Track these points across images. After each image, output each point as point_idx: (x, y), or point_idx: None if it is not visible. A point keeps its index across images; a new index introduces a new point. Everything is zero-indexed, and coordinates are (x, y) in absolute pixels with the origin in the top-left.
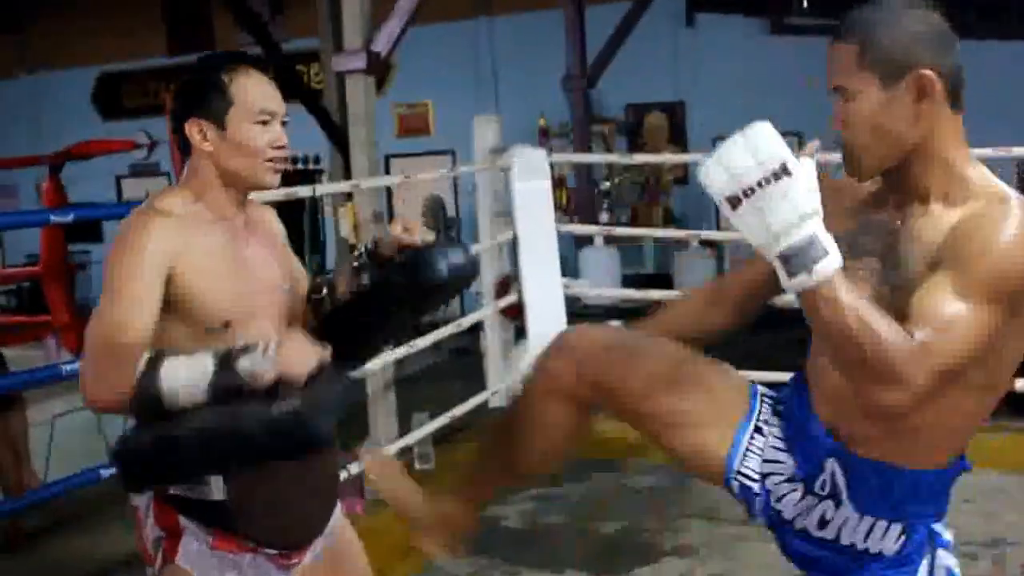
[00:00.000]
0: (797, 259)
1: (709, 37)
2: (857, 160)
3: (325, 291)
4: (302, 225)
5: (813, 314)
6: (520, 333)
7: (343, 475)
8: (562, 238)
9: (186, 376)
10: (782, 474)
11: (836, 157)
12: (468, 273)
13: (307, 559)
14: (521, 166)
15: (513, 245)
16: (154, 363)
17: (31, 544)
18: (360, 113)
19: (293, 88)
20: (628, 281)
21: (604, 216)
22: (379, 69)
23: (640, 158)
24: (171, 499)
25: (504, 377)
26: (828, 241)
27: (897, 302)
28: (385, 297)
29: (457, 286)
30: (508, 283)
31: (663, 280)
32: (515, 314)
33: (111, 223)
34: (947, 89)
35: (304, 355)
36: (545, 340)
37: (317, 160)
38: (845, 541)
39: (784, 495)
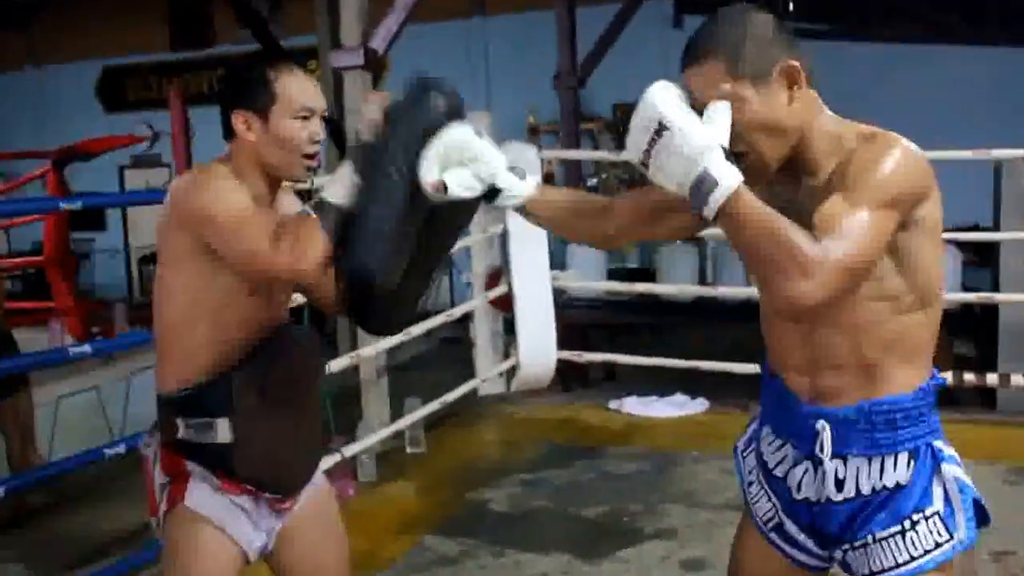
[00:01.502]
0: (698, 196)
1: None
2: (758, 162)
3: None
4: None
5: (729, 234)
6: (509, 324)
7: (336, 458)
8: (550, 232)
9: (336, 183)
10: (789, 462)
11: None
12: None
13: (295, 507)
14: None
15: (503, 238)
16: (317, 204)
17: (35, 520)
18: (357, 109)
19: None
20: (613, 274)
21: None
22: (376, 66)
23: (627, 155)
24: (177, 444)
25: (493, 366)
26: (722, 169)
27: None
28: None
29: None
30: (498, 275)
31: (646, 274)
32: (504, 305)
33: (115, 212)
34: (806, 73)
35: (375, 101)
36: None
37: None
38: (866, 490)
39: (800, 479)
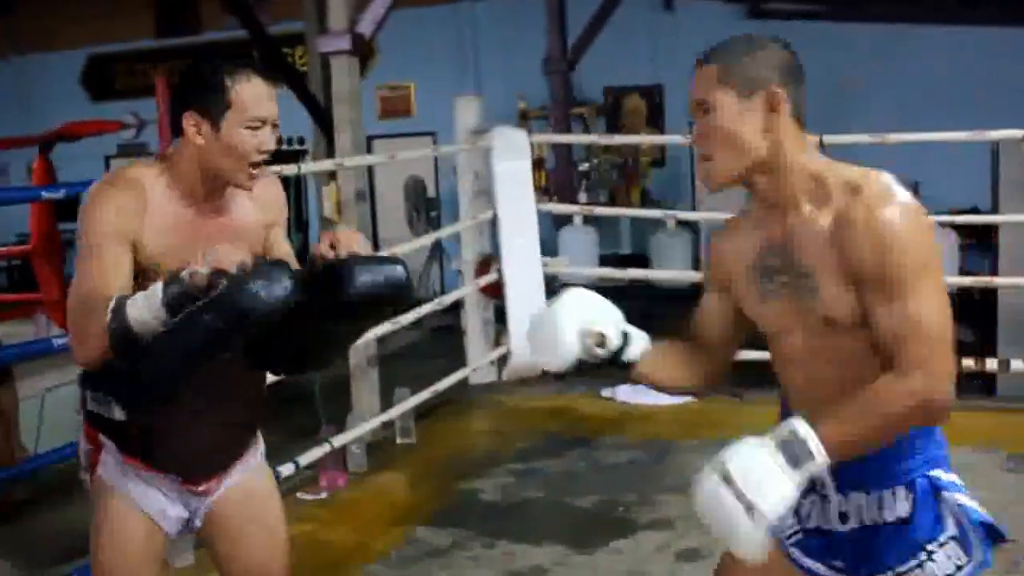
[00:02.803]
0: (799, 469)
1: (687, 22)
2: (713, 168)
3: None
4: (300, 204)
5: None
6: (500, 311)
7: (326, 448)
8: (541, 218)
9: (143, 301)
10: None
11: None
12: (383, 292)
13: (220, 492)
14: (501, 146)
15: (493, 224)
16: (119, 306)
17: (19, 514)
18: (344, 93)
19: (279, 70)
20: (605, 261)
21: (583, 197)
22: (363, 50)
23: (619, 139)
24: (91, 416)
25: (484, 355)
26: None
27: (818, 309)
28: (302, 313)
29: (375, 304)
30: (488, 262)
31: (640, 260)
32: (495, 293)
33: None
34: (794, 111)
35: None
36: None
37: (301, 141)
38: (868, 522)
39: (809, 511)
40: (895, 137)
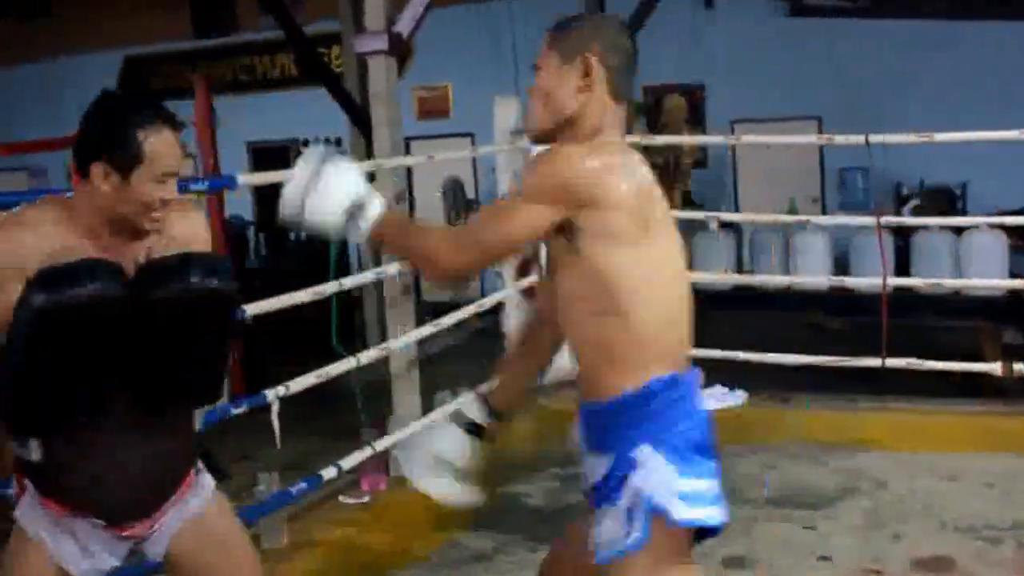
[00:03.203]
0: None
1: (728, 19)
2: (531, 119)
3: None
4: None
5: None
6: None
7: (367, 452)
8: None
9: None
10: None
11: None
12: (183, 296)
13: (162, 535)
14: (541, 146)
15: None
16: None
17: None
18: (382, 94)
19: (315, 71)
20: None
21: None
22: (401, 50)
23: (661, 139)
24: (15, 457)
25: None
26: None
27: None
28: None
29: (184, 308)
30: (529, 264)
31: None
32: (536, 295)
33: None
34: (609, 80)
35: None
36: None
37: (339, 142)
38: (592, 481)
39: (590, 468)
40: (941, 136)
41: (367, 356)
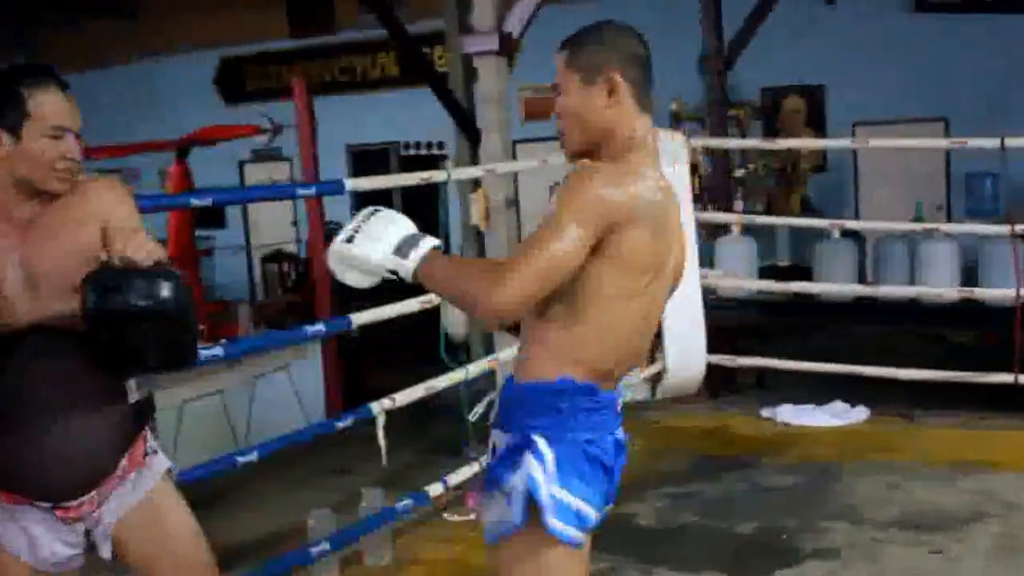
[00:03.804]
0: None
1: (849, 15)
2: (566, 143)
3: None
4: (436, 211)
5: (433, 288)
6: None
7: (474, 468)
8: (696, 227)
9: None
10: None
11: None
12: (120, 312)
13: (106, 518)
14: (658, 150)
15: None
16: None
17: None
18: (492, 95)
19: (420, 71)
20: (764, 272)
21: (738, 205)
22: (511, 50)
23: (782, 143)
24: None
25: (636, 372)
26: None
27: None
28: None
29: (115, 320)
30: None
31: (802, 272)
32: None
33: (234, 209)
34: (634, 93)
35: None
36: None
37: (441, 145)
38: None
39: (493, 443)
40: None
41: (475, 368)
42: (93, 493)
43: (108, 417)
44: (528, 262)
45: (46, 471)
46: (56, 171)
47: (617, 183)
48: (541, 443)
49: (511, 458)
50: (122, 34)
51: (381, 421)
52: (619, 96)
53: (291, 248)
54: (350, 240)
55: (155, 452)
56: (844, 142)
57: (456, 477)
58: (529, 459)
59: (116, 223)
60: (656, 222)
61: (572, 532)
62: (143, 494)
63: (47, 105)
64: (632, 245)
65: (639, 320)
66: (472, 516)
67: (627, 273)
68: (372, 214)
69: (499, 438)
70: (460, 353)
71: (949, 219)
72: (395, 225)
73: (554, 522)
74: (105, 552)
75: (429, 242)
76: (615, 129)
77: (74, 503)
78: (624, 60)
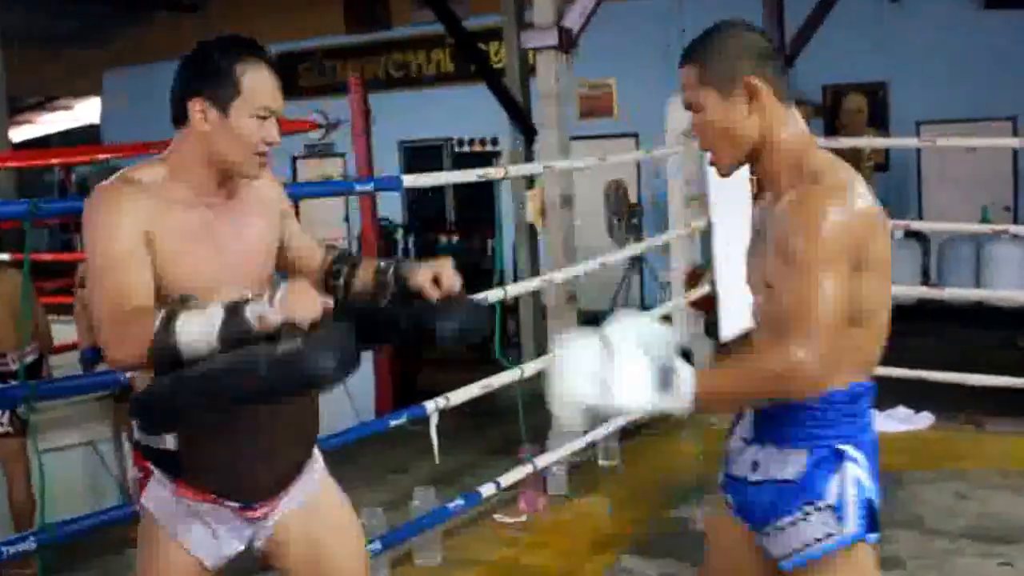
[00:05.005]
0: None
1: (916, 12)
2: (715, 158)
3: (342, 281)
4: (492, 208)
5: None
6: (710, 327)
7: (527, 469)
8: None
9: (198, 328)
10: (732, 447)
11: None
12: (458, 340)
13: (278, 515)
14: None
15: (707, 233)
16: (168, 320)
17: None
18: (551, 92)
19: (476, 66)
20: None
21: None
22: (570, 46)
23: (846, 142)
24: (139, 445)
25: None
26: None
27: (765, 274)
28: (380, 328)
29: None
30: (699, 274)
31: None
32: (707, 307)
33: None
34: (774, 90)
35: (308, 301)
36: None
37: (495, 142)
38: (769, 476)
39: (731, 456)
40: None
41: (530, 368)
42: (281, 493)
43: (305, 416)
44: (814, 327)
45: (252, 472)
46: (256, 155)
47: (848, 203)
48: (851, 450)
49: (823, 470)
50: (185, 28)
51: (434, 420)
52: (761, 100)
53: (342, 244)
54: (600, 390)
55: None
56: (911, 141)
57: (509, 478)
58: (849, 467)
59: (289, 214)
60: (883, 218)
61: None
62: (313, 487)
63: (258, 84)
64: (880, 255)
65: (886, 313)
66: (523, 518)
67: (880, 272)
68: (610, 349)
69: (776, 455)
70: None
71: (1015, 221)
72: (636, 364)
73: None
74: (261, 546)
75: (686, 371)
76: (767, 134)
77: (264, 503)
78: (756, 60)
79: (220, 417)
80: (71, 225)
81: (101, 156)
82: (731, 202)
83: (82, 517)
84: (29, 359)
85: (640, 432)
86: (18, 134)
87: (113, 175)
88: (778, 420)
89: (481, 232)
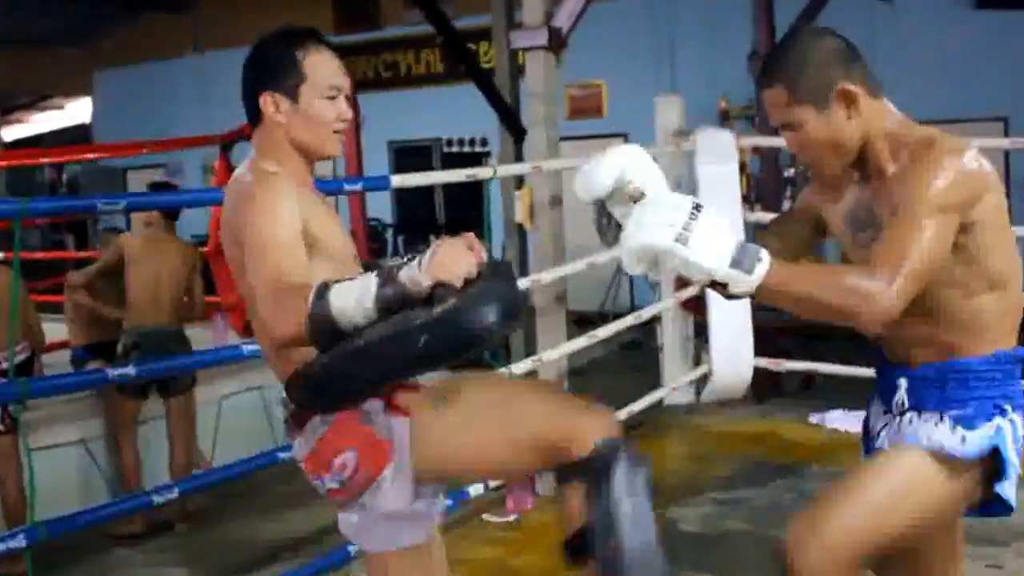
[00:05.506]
0: (738, 269)
1: (907, 13)
2: (823, 171)
3: None
4: (481, 209)
5: (780, 301)
6: (700, 328)
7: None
8: (747, 228)
9: (354, 296)
10: (878, 420)
11: None
12: (495, 334)
13: None
14: (706, 149)
15: None
16: (322, 291)
17: (199, 524)
18: (540, 92)
19: (466, 67)
20: None
21: (787, 205)
22: (559, 46)
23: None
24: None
25: (682, 374)
26: (752, 246)
27: None
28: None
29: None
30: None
31: None
32: (696, 308)
33: None
34: (866, 90)
35: (460, 257)
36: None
37: (484, 142)
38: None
39: (880, 430)
40: None
41: (518, 368)
42: None
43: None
44: (906, 264)
45: None
46: (335, 133)
47: (960, 161)
48: (1010, 410)
49: (983, 414)
50: (176, 28)
51: None
52: (859, 104)
53: None
54: (681, 240)
55: None
56: None
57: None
58: (999, 421)
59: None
60: (997, 181)
61: (1012, 494)
62: None
63: (321, 66)
64: (994, 215)
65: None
66: (512, 518)
67: (1000, 232)
68: (696, 210)
69: (927, 422)
70: (498, 352)
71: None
72: (724, 233)
73: (1006, 487)
74: None
75: (765, 253)
76: (869, 131)
77: None
78: (839, 63)
79: None
80: (62, 225)
81: (91, 155)
82: (719, 204)
83: (72, 515)
84: (20, 357)
85: (629, 433)
86: (9, 133)
87: (244, 171)
88: (936, 385)
89: (470, 232)
